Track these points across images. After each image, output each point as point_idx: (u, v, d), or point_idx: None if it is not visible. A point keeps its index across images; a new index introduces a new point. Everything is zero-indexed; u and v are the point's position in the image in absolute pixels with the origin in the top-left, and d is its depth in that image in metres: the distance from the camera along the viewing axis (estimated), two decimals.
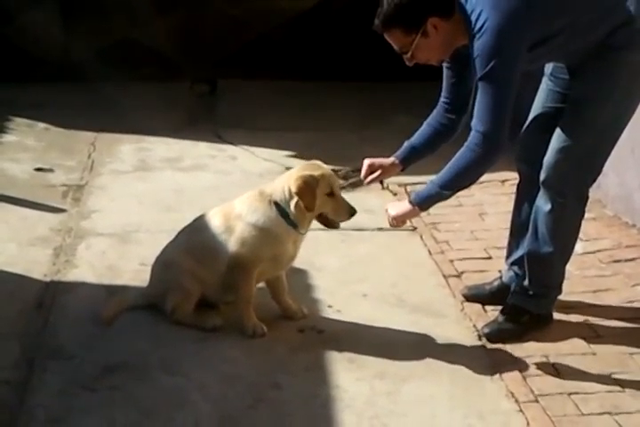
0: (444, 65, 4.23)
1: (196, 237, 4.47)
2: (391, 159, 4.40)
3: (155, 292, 4.53)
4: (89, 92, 8.39)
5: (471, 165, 3.97)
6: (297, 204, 4.21)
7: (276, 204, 4.26)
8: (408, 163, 4.41)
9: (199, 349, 4.26)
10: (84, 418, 3.72)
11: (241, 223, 4.30)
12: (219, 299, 4.56)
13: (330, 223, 4.34)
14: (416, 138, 4.40)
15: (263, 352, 4.25)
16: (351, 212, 4.28)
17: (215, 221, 4.40)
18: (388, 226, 4.26)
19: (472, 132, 3.94)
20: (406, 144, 4.41)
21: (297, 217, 4.25)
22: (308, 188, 4.18)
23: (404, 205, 4.15)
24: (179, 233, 4.58)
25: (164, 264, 4.52)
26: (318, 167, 4.30)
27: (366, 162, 4.41)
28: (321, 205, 4.24)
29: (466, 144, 3.96)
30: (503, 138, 3.90)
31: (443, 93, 4.33)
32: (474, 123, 3.93)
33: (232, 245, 4.30)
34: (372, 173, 4.40)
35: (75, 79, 8.55)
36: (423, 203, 4.11)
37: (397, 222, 4.20)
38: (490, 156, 3.93)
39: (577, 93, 4.09)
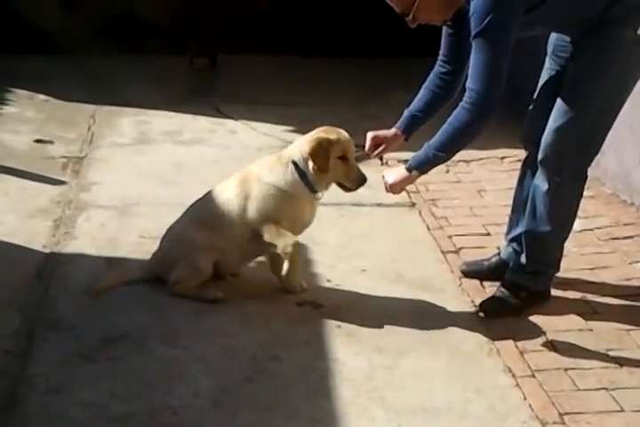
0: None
1: (207, 206, 4.49)
2: (393, 130, 4.39)
3: (159, 264, 4.53)
4: (89, 65, 8.38)
5: (466, 125, 3.92)
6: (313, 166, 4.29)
7: (294, 164, 4.33)
8: (410, 131, 4.39)
9: (199, 322, 4.28)
10: (83, 388, 3.73)
11: (258, 184, 4.35)
12: (234, 268, 4.60)
13: (344, 187, 4.40)
14: (415, 105, 4.37)
15: (262, 326, 4.27)
16: (361, 179, 4.34)
17: (230, 187, 4.43)
18: (386, 201, 4.26)
19: (466, 92, 3.91)
20: (406, 113, 4.39)
21: (314, 179, 4.31)
22: (321, 149, 4.26)
23: (400, 172, 4.13)
24: (190, 206, 4.59)
25: (177, 239, 4.51)
26: (336, 132, 4.37)
27: (369, 135, 4.41)
28: (334, 167, 4.29)
29: (460, 104, 3.93)
30: (496, 97, 3.86)
31: (441, 52, 4.29)
32: (468, 82, 3.90)
33: (251, 206, 4.34)
34: (376, 146, 4.40)
35: (75, 52, 8.54)
36: (421, 167, 4.08)
37: (395, 190, 4.18)
38: (484, 114, 3.89)
39: (574, 71, 4.08)
